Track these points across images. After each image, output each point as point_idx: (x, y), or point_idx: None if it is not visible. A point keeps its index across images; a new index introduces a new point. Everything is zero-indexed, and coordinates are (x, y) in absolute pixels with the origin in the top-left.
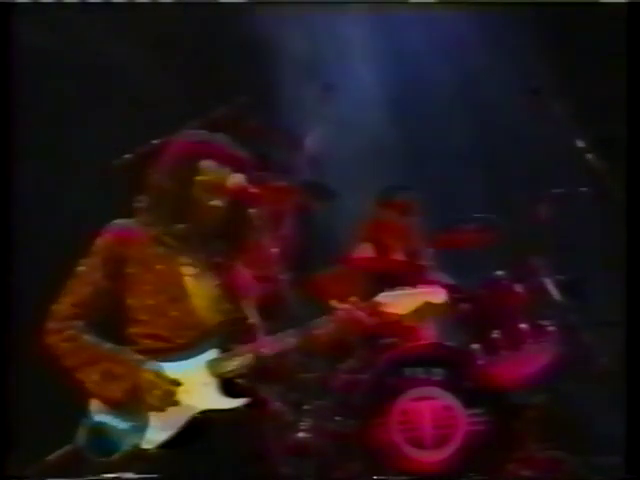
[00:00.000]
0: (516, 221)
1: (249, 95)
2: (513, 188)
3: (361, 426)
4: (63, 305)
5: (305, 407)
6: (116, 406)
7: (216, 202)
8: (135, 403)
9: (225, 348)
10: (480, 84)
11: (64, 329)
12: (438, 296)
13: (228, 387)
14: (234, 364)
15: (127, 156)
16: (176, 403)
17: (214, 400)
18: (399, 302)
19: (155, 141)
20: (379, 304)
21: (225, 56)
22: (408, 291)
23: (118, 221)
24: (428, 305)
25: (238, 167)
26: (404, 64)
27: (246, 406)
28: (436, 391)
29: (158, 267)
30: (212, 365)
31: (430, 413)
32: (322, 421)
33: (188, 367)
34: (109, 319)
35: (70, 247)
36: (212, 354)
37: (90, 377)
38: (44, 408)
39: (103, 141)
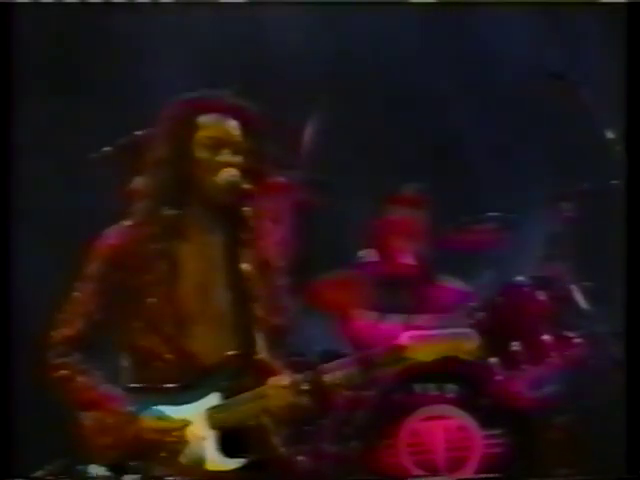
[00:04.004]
0: (538, 220)
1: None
2: (534, 184)
3: (366, 448)
4: (59, 337)
5: (305, 428)
6: (105, 459)
7: (224, 157)
8: (127, 458)
9: (228, 390)
10: (490, 80)
11: (59, 367)
12: (469, 341)
13: (228, 442)
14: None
15: (106, 149)
16: (186, 447)
17: (212, 459)
18: (424, 347)
19: (138, 132)
20: (401, 348)
21: (223, 50)
22: (435, 333)
23: (111, 228)
24: (456, 350)
25: (242, 119)
26: (414, 54)
27: (249, 466)
28: (449, 409)
29: (150, 300)
30: (212, 415)
31: (443, 434)
32: (323, 443)
33: (185, 414)
34: (106, 351)
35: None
36: (213, 399)
37: (84, 421)
38: (48, 407)
39: (104, 140)
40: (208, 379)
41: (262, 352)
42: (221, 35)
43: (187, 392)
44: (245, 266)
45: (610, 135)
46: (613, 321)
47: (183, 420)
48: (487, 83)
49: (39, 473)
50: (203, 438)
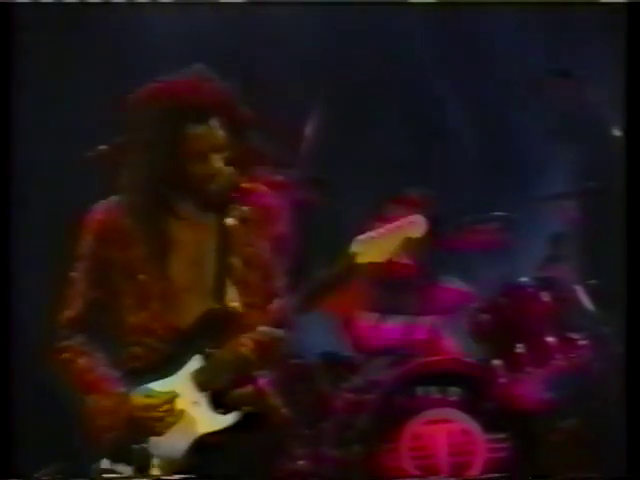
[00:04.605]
0: (541, 219)
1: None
2: (538, 182)
3: (368, 452)
4: (62, 320)
5: (305, 431)
6: (105, 443)
7: (215, 163)
8: (128, 440)
9: (206, 350)
10: (490, 79)
11: (62, 350)
12: (417, 227)
13: (220, 401)
14: None
15: (102, 147)
16: (178, 419)
17: (208, 421)
18: (375, 248)
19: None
20: (351, 255)
21: (223, 50)
22: (382, 230)
23: (99, 203)
24: (408, 241)
25: (218, 104)
26: (414, 54)
27: (243, 421)
28: (452, 413)
29: (141, 277)
30: (198, 377)
31: (446, 438)
32: (324, 447)
33: (173, 383)
34: (105, 331)
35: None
36: (195, 363)
37: (85, 406)
38: (48, 408)
39: (104, 141)
40: (186, 343)
41: (235, 303)
42: (221, 35)
43: (171, 361)
44: (233, 225)
45: (611, 134)
46: (617, 322)
47: (170, 392)
48: (487, 82)
49: (39, 473)
50: (195, 403)
